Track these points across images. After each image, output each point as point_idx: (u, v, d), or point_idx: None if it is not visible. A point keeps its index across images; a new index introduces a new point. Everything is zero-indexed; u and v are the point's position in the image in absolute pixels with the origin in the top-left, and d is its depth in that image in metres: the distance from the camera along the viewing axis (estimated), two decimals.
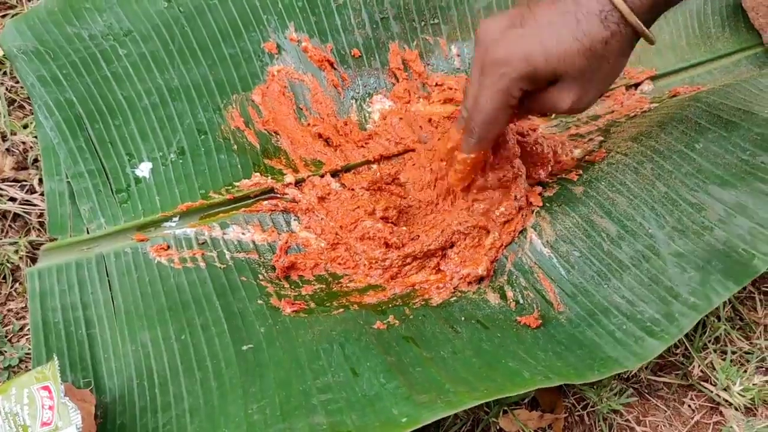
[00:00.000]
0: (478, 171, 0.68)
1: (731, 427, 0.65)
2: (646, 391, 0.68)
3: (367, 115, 0.77)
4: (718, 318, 0.71)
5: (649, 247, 0.65)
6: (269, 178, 0.72)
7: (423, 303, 0.66)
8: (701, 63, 0.89)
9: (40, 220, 0.72)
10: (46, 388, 0.53)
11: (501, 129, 0.63)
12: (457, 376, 0.57)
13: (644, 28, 0.54)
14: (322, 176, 0.72)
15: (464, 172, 0.67)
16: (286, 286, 0.67)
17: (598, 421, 0.65)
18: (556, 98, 0.58)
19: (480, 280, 0.68)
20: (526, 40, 0.56)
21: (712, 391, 0.67)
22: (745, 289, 0.71)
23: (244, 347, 0.61)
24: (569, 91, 0.57)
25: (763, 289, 0.73)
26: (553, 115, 0.81)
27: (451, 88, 0.79)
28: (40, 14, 0.73)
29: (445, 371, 0.57)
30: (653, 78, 0.86)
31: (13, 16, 0.84)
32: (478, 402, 0.53)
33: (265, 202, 0.71)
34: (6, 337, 0.67)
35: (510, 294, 0.67)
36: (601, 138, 0.77)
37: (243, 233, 0.69)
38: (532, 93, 0.60)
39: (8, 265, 0.70)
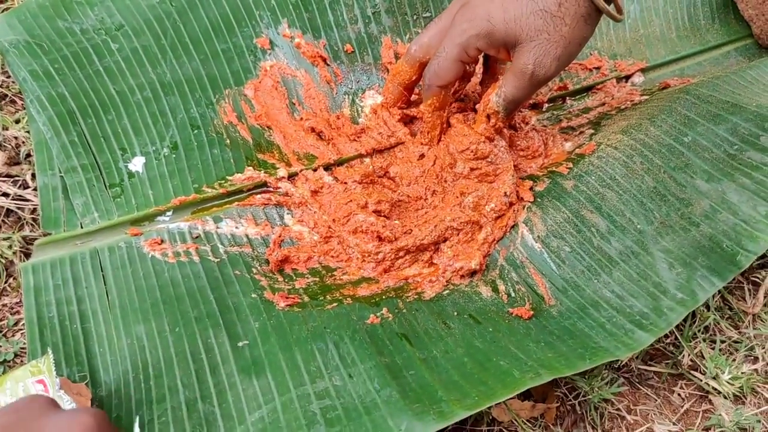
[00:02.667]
0: (443, 120, 0.72)
1: (720, 415, 0.66)
2: (637, 380, 0.69)
3: (359, 109, 0.78)
4: (708, 307, 0.71)
5: (638, 243, 0.66)
6: (262, 172, 0.72)
7: (416, 296, 0.67)
8: (691, 55, 0.90)
9: (33, 215, 0.72)
10: (41, 381, 0.54)
11: (448, 81, 0.68)
12: (449, 380, 0.58)
13: None
14: (314, 170, 0.73)
15: (428, 122, 0.72)
16: (280, 279, 0.67)
17: (590, 410, 0.66)
18: (520, 61, 0.62)
19: (472, 274, 0.69)
20: (491, 3, 0.62)
21: (701, 380, 0.68)
22: (734, 279, 0.71)
23: (240, 343, 0.62)
24: (530, 52, 0.61)
25: (752, 279, 0.74)
26: (544, 107, 0.82)
27: None
28: (31, 8, 0.73)
29: (437, 374, 0.58)
30: (644, 70, 0.86)
31: (4, 11, 0.84)
32: (469, 413, 0.54)
33: (258, 196, 0.72)
34: (1, 332, 0.67)
35: (502, 287, 0.67)
36: (592, 131, 0.78)
37: (236, 227, 0.70)
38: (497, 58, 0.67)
39: (2, 260, 0.70)
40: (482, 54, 0.68)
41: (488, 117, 0.68)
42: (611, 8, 0.60)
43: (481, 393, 0.55)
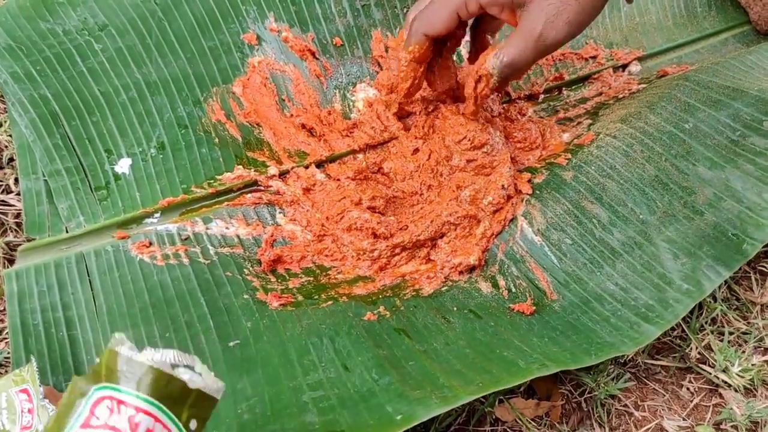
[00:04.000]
0: (417, 75, 0.67)
1: (731, 408, 0.63)
2: (644, 375, 0.66)
3: (350, 104, 0.76)
4: (714, 299, 0.69)
5: (641, 233, 0.64)
6: (252, 170, 0.70)
7: (414, 293, 0.65)
8: (688, 43, 0.88)
9: (17, 220, 0.70)
10: (24, 390, 0.52)
11: (436, 30, 0.63)
12: (451, 369, 0.55)
13: None
14: (306, 167, 0.71)
15: (402, 70, 0.67)
16: (273, 279, 0.65)
17: (596, 407, 0.64)
18: (529, 20, 0.58)
19: (471, 269, 0.67)
20: None
21: (710, 373, 0.66)
22: (740, 269, 0.69)
23: (231, 343, 0.60)
24: (541, 11, 0.57)
25: (759, 268, 0.72)
26: (540, 97, 0.80)
27: None
28: (11, 10, 0.71)
29: (438, 364, 0.56)
30: (641, 59, 0.85)
31: None
32: (473, 397, 0.51)
33: (249, 195, 0.70)
34: None
35: (502, 283, 0.65)
36: (590, 121, 0.76)
37: (227, 227, 0.68)
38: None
39: None
40: (473, 24, 0.65)
41: (477, 82, 0.63)
42: None
43: (485, 380, 0.53)
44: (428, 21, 0.62)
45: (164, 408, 0.34)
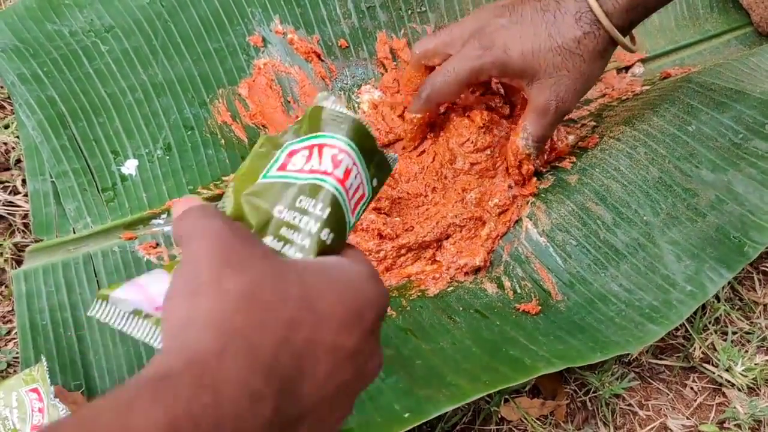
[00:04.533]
0: (425, 132, 0.72)
1: (734, 407, 0.64)
2: (648, 374, 0.67)
3: (356, 105, 0.76)
4: (718, 299, 0.70)
5: (645, 235, 0.64)
6: None
7: (419, 294, 0.65)
8: (691, 44, 0.88)
9: (24, 221, 0.70)
10: (35, 390, 0.52)
11: (448, 99, 0.68)
12: (458, 367, 0.56)
13: (617, 32, 0.58)
14: None
15: (412, 132, 0.71)
16: None
17: (601, 406, 0.64)
18: (542, 98, 0.61)
19: (476, 270, 0.67)
20: (508, 31, 0.60)
21: (714, 373, 0.66)
22: (743, 269, 0.70)
23: None
24: (550, 88, 0.61)
25: (762, 269, 0.73)
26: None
27: None
28: (18, 11, 0.71)
29: (445, 362, 0.57)
30: (644, 60, 0.85)
31: None
32: (481, 394, 0.52)
33: None
34: None
35: (507, 284, 0.66)
36: (594, 123, 0.77)
37: None
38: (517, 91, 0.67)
39: None
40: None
41: (519, 167, 0.67)
42: (626, 40, 0.60)
43: (492, 377, 0.54)
44: (441, 92, 0.65)
45: (361, 156, 0.36)
